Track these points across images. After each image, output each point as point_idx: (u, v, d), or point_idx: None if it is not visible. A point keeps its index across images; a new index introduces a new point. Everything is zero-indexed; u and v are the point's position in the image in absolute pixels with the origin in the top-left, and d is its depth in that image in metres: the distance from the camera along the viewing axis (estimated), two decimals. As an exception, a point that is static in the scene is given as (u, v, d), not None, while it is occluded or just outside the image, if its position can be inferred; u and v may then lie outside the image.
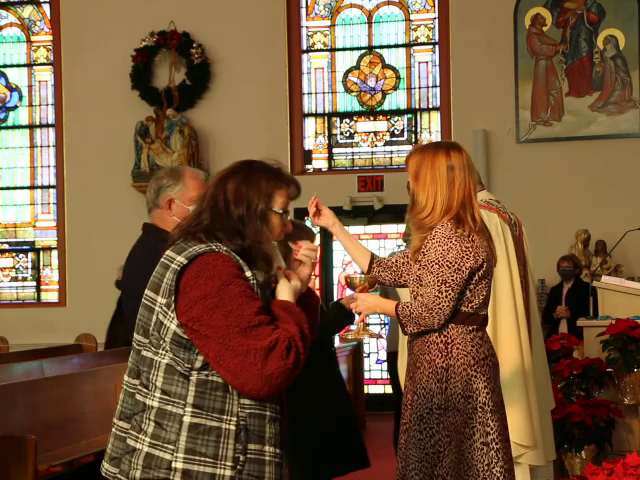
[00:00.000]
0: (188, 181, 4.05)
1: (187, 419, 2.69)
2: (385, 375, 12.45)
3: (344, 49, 12.94)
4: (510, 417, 4.33)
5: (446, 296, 3.62)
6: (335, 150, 12.90)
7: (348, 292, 10.42)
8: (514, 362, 4.72)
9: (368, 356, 12.52)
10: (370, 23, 12.87)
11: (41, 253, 13.51)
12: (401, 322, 3.68)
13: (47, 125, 13.53)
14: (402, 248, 12.04)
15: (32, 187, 13.55)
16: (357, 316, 3.95)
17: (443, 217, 3.69)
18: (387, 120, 12.80)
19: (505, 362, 4.60)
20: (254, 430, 2.73)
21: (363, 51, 12.89)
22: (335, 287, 12.77)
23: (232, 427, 2.70)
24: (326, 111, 12.90)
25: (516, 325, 4.81)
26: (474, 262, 3.65)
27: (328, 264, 12.73)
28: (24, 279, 13.51)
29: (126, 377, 2.87)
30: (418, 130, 12.69)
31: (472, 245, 3.66)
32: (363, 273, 3.82)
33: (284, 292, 2.87)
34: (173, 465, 2.67)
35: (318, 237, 12.85)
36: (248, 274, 2.79)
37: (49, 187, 13.48)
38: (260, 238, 2.83)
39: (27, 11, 13.70)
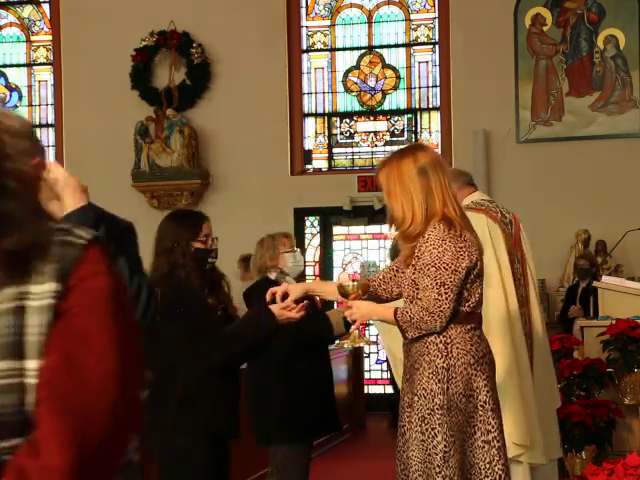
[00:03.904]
0: None
1: None
2: (385, 375, 12.44)
3: (344, 49, 12.93)
4: (504, 416, 4.32)
5: (446, 298, 3.61)
6: (335, 150, 12.89)
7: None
8: (506, 362, 4.70)
9: (368, 356, 12.51)
10: (370, 23, 12.86)
11: (41, 253, 13.52)
12: (401, 328, 3.66)
13: (47, 125, 13.52)
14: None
15: (32, 187, 13.55)
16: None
17: (429, 222, 3.66)
18: (387, 120, 12.80)
19: (496, 362, 4.60)
20: None
21: (363, 51, 12.89)
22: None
23: None
24: (326, 111, 12.90)
25: (508, 325, 4.78)
26: (469, 261, 3.65)
27: (328, 264, 12.72)
28: (24, 279, 13.50)
29: None
30: (418, 130, 12.69)
31: (465, 245, 3.65)
32: (355, 280, 3.79)
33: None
34: None
35: (318, 237, 12.85)
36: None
37: (49, 187, 13.48)
38: None
39: (27, 11, 13.70)
